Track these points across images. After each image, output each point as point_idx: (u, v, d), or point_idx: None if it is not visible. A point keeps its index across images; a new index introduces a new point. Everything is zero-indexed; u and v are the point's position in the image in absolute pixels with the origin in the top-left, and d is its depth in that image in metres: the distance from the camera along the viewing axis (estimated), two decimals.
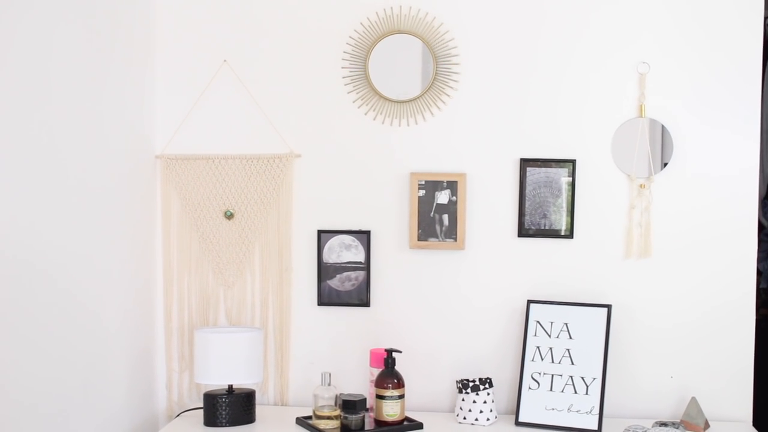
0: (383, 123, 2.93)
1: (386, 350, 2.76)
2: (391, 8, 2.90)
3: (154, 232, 3.01)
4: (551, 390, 2.77)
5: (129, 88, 2.82)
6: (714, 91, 2.82)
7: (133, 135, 2.86)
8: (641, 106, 2.83)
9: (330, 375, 2.75)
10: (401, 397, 2.73)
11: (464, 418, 2.78)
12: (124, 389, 2.80)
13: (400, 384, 2.74)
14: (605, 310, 2.78)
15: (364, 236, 2.94)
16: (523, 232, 2.89)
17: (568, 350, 2.78)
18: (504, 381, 2.92)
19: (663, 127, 2.83)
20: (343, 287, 2.96)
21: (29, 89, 2.21)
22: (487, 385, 2.78)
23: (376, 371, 2.77)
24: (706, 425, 2.74)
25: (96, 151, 2.58)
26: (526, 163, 2.87)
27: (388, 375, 2.74)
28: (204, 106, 2.99)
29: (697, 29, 2.81)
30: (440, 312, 2.95)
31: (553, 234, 2.88)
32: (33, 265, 2.25)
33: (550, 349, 2.81)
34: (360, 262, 2.95)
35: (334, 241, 2.95)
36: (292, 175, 2.97)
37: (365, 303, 2.96)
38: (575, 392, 2.74)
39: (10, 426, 2.15)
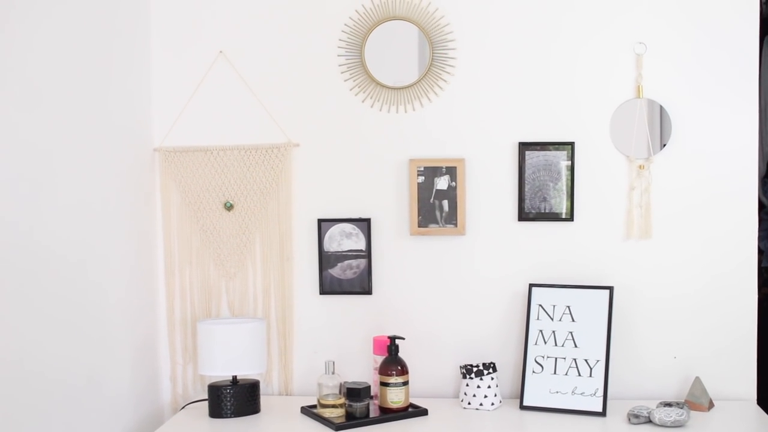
0: (380, 110, 2.93)
1: (389, 337, 2.76)
2: None
3: (154, 225, 3.01)
4: (555, 373, 2.77)
5: (126, 81, 2.81)
6: (711, 70, 2.81)
7: (131, 128, 2.85)
8: (639, 86, 2.82)
9: (334, 363, 2.75)
10: (405, 383, 2.73)
11: (469, 403, 2.78)
12: (128, 383, 2.80)
13: (404, 371, 2.74)
14: (607, 291, 2.78)
15: (364, 224, 2.94)
16: (523, 216, 2.88)
17: (571, 333, 2.78)
18: (508, 365, 2.92)
19: (661, 107, 2.82)
20: (344, 275, 2.96)
21: (27, 84, 2.20)
22: (491, 370, 2.78)
23: (380, 359, 2.77)
24: (711, 405, 2.74)
25: (95, 145, 2.57)
26: (524, 146, 2.87)
27: (392, 362, 2.74)
28: (201, 97, 2.98)
29: (693, 7, 2.80)
30: (442, 298, 2.95)
31: (554, 217, 2.87)
32: (33, 264, 2.24)
33: (553, 332, 2.80)
34: (361, 250, 2.95)
35: (334, 230, 2.95)
36: (291, 164, 2.96)
37: (367, 291, 2.95)
38: (579, 375, 2.74)
39: (15, 420, 2.15)
